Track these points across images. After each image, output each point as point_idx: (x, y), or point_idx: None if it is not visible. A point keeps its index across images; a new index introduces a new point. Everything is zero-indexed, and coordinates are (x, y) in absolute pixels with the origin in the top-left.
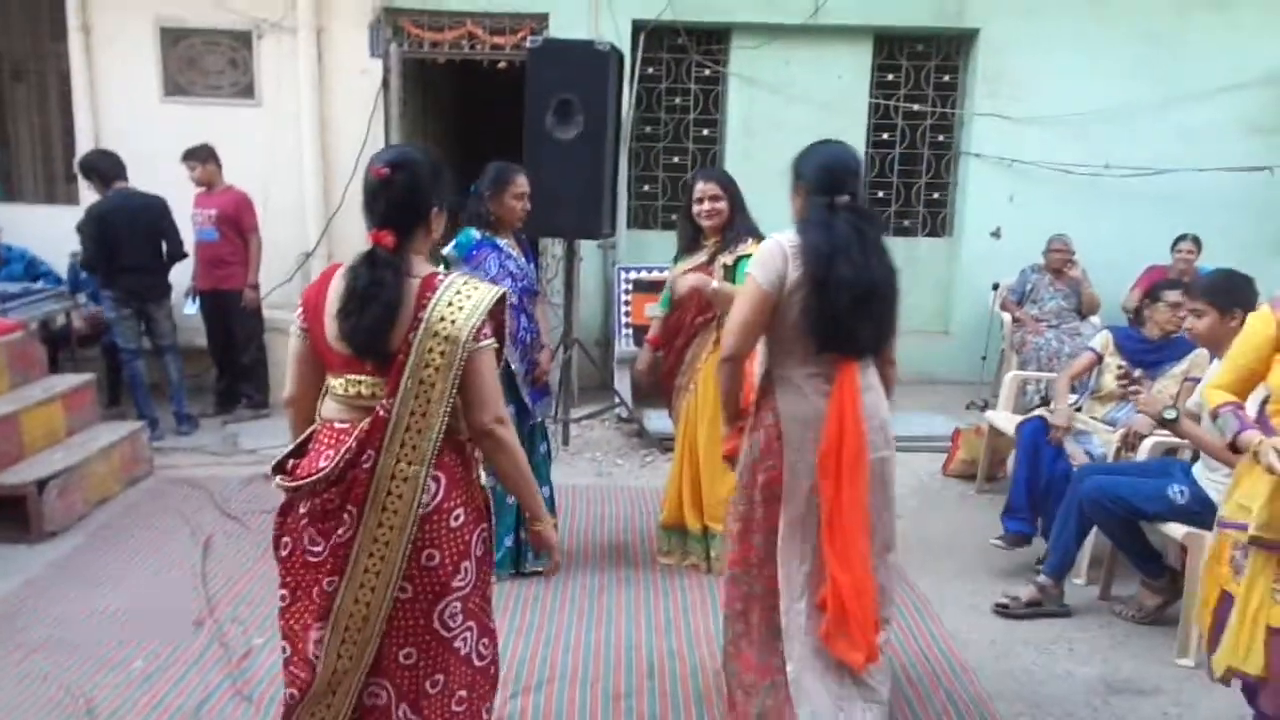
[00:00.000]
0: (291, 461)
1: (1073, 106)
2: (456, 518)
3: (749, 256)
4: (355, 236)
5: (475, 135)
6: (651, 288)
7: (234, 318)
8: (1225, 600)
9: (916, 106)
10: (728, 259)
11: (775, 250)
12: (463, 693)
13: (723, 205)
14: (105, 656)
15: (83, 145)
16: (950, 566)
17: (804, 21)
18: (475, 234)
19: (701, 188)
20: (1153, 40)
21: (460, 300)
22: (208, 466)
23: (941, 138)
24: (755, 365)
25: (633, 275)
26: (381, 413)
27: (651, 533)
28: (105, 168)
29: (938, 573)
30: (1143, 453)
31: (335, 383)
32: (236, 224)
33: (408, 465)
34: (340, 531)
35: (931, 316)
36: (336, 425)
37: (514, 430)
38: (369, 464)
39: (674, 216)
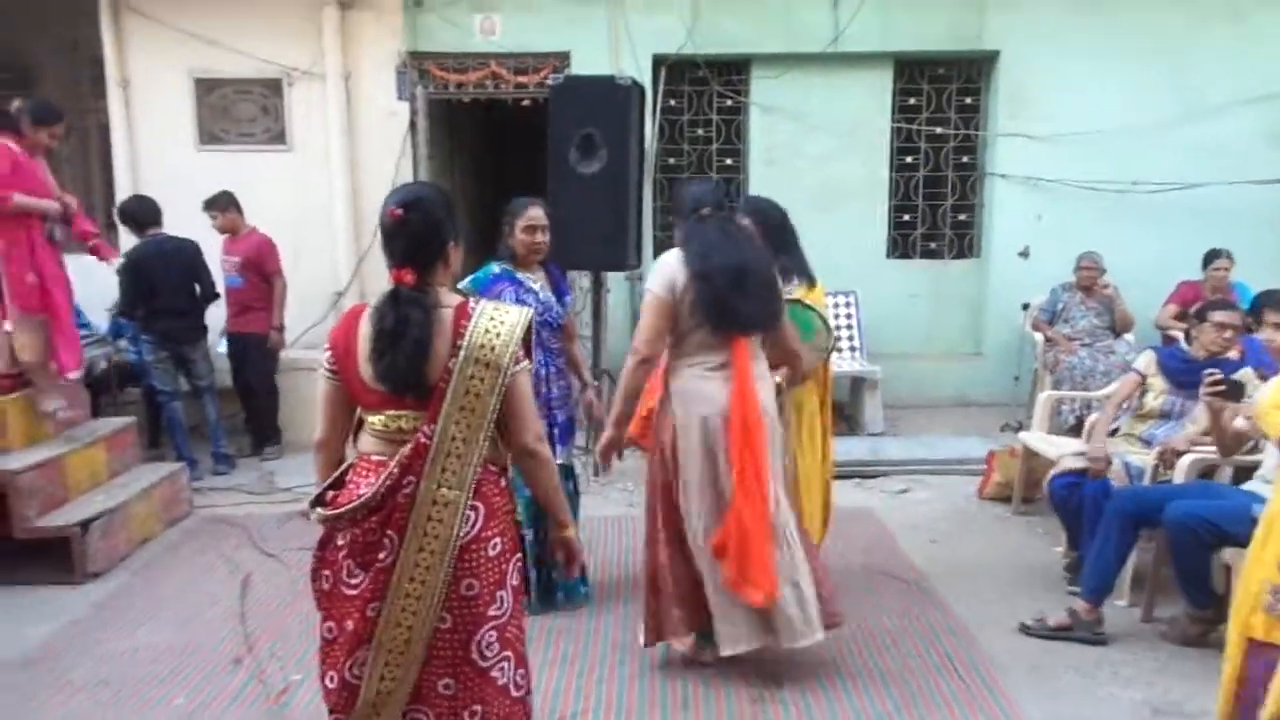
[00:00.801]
0: (330, 494)
1: (1097, 124)
2: (494, 546)
3: (807, 305)
4: (385, 277)
5: (501, 172)
6: None
7: (250, 360)
8: (1254, 656)
9: (939, 129)
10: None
11: (668, 263)
12: None
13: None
14: (148, 694)
15: (122, 195)
16: (988, 589)
17: (824, 50)
18: (495, 268)
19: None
20: (1173, 54)
21: (495, 326)
22: (245, 505)
23: (966, 159)
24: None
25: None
26: (423, 439)
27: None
28: (140, 213)
29: (975, 596)
30: (1180, 471)
31: (374, 419)
32: (260, 268)
33: (448, 490)
34: (381, 556)
35: (963, 338)
36: (374, 458)
37: (549, 447)
38: (410, 489)
39: None
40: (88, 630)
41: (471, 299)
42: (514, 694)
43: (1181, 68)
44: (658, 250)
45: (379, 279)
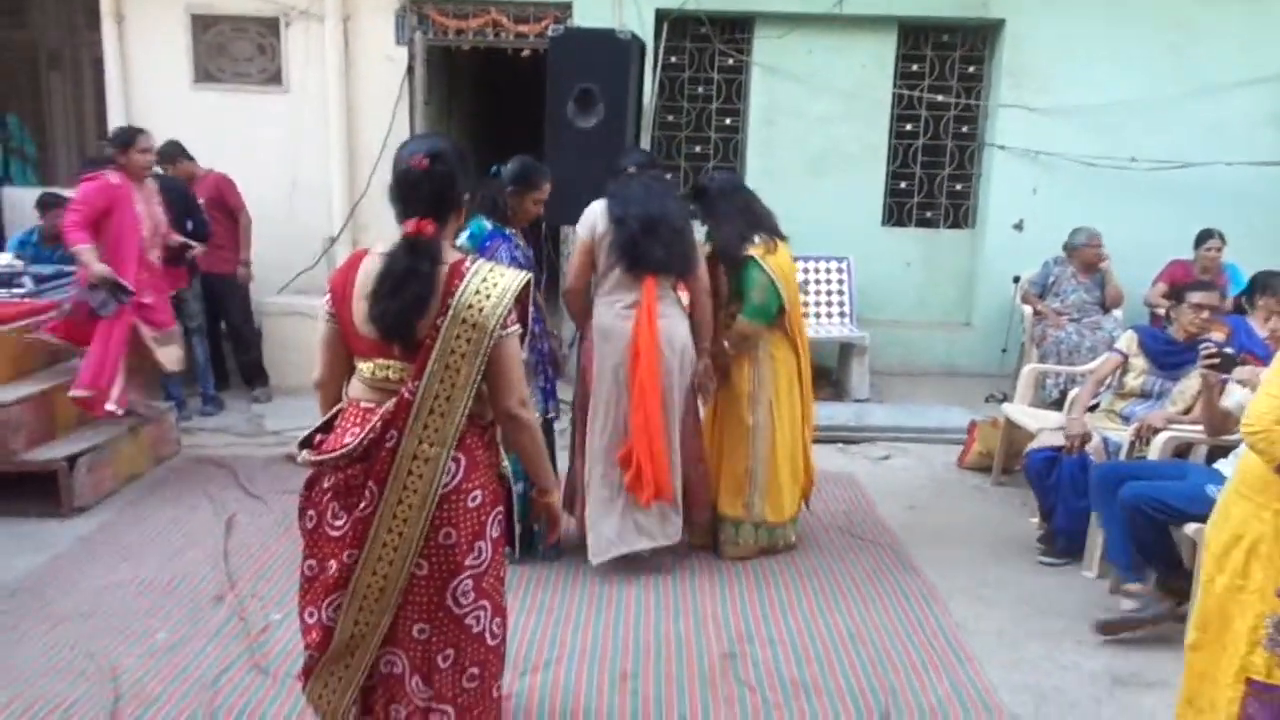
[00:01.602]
0: (319, 437)
1: (1098, 98)
2: (474, 499)
3: (754, 260)
4: (379, 222)
5: (498, 121)
6: None
7: (226, 299)
8: (1257, 699)
9: (940, 97)
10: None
11: (593, 209)
12: (475, 669)
13: None
14: (130, 628)
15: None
16: (960, 556)
17: (828, 10)
18: (486, 224)
19: None
20: (1179, 31)
21: (487, 288)
22: (233, 446)
23: (965, 128)
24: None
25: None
26: (406, 395)
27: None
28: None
29: (947, 562)
30: (1155, 448)
31: (363, 366)
32: (223, 204)
33: (429, 447)
34: (361, 506)
35: (953, 308)
36: (363, 405)
37: (534, 411)
38: (392, 444)
39: (694, 206)
40: (72, 563)
41: (468, 258)
42: (489, 642)
43: (1187, 45)
44: None
45: (373, 225)
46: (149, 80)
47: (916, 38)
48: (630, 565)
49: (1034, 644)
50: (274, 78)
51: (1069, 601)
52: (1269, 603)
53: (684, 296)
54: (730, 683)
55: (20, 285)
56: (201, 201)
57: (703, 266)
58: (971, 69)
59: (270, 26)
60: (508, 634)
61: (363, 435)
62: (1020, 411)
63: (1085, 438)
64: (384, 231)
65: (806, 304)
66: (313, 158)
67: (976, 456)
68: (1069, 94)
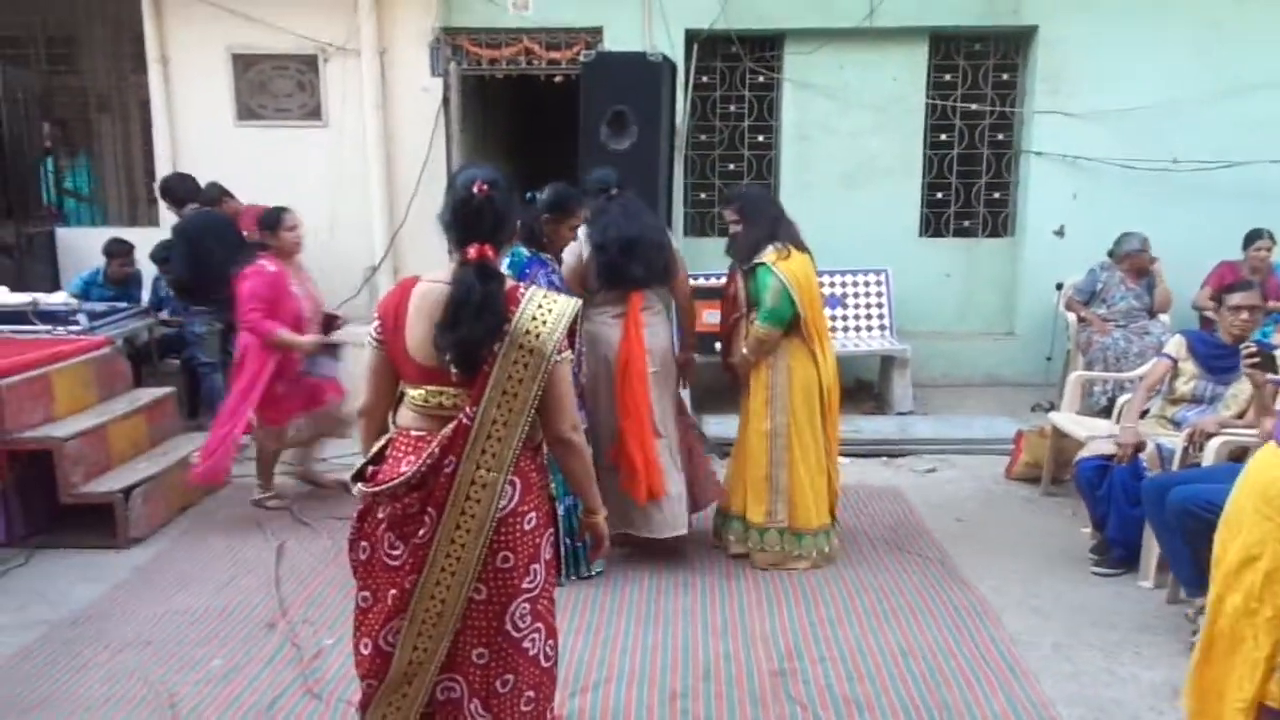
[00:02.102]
0: (371, 469)
1: (1136, 101)
2: (530, 521)
3: (764, 265)
4: (419, 250)
5: (533, 146)
6: (709, 294)
7: None
8: None
9: (974, 106)
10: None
11: (576, 242)
12: (531, 693)
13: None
14: (186, 655)
15: (161, 169)
16: (1012, 569)
17: (858, 25)
18: (525, 251)
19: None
20: (1215, 30)
21: (543, 314)
22: (280, 475)
23: (1001, 136)
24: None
25: (690, 282)
26: (465, 420)
27: (708, 538)
28: (180, 190)
29: (999, 575)
30: (1209, 454)
31: (415, 393)
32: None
33: (487, 472)
34: (420, 533)
35: (995, 317)
36: (414, 433)
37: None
38: (450, 469)
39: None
40: (130, 593)
41: (521, 284)
42: (543, 664)
43: (1223, 44)
44: (688, 226)
45: (412, 254)
46: (193, 119)
47: (948, 47)
48: (679, 585)
49: (1091, 656)
50: (313, 113)
51: (1125, 613)
52: (1275, 640)
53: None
54: (781, 701)
55: (75, 322)
56: (246, 235)
57: (683, 273)
58: (1005, 76)
59: (309, 63)
60: (558, 656)
61: (420, 462)
62: (1068, 420)
63: (1140, 445)
64: (423, 260)
65: (846, 317)
66: (352, 189)
67: (1024, 467)
68: (1106, 98)
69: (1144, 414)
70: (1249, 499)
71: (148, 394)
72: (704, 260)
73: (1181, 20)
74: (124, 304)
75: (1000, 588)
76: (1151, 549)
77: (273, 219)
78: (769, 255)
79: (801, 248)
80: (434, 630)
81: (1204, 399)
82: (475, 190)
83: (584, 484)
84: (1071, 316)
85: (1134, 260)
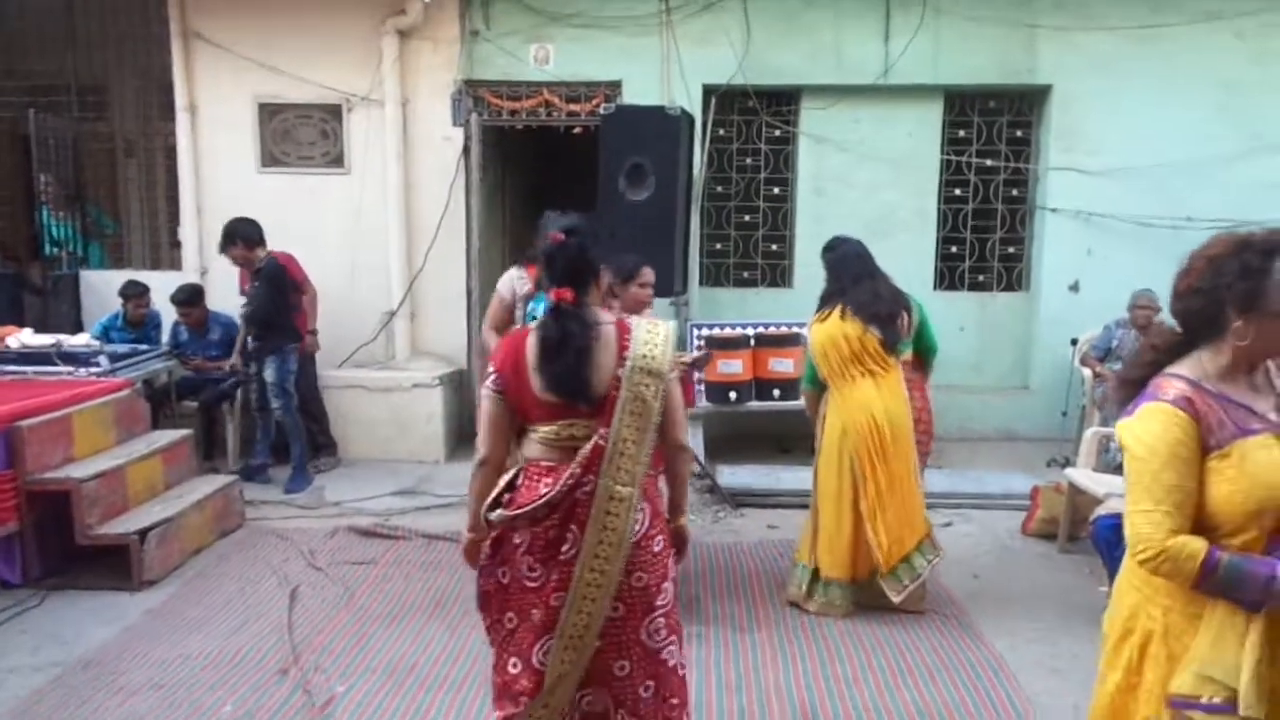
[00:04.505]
0: (506, 497)
1: (1151, 159)
2: (658, 544)
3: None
4: (436, 296)
5: (551, 196)
6: (724, 344)
7: (299, 371)
8: None
9: (989, 162)
10: None
11: (509, 275)
12: (674, 700)
13: None
14: (197, 701)
15: (186, 214)
16: (1030, 627)
17: (874, 81)
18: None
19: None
20: (1230, 90)
21: (653, 338)
22: (295, 519)
23: (1015, 192)
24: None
25: (705, 331)
26: (600, 442)
27: (721, 590)
28: (256, 234)
29: (1016, 633)
30: None
31: (545, 430)
32: (291, 281)
33: (622, 487)
34: (564, 550)
35: (1009, 372)
36: (544, 464)
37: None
38: (590, 487)
39: (745, 274)
40: (142, 636)
41: (626, 317)
42: (680, 673)
43: (1239, 103)
44: (704, 277)
45: (430, 300)
46: (218, 165)
47: (963, 105)
48: (692, 638)
49: None
50: (336, 160)
51: None
52: (1155, 707)
53: None
54: None
55: (97, 364)
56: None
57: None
58: (1019, 133)
59: (333, 112)
60: (688, 666)
61: (561, 483)
62: (1085, 476)
63: None
64: (441, 305)
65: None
66: (373, 235)
67: (1041, 523)
68: (1120, 155)
69: None
70: (1124, 573)
71: (165, 436)
72: (719, 310)
73: (1196, 79)
74: (144, 346)
75: (1018, 646)
76: None
77: (631, 270)
78: (811, 319)
79: (869, 310)
80: (579, 644)
81: None
82: (552, 240)
83: (684, 488)
84: (1087, 372)
85: (1135, 315)
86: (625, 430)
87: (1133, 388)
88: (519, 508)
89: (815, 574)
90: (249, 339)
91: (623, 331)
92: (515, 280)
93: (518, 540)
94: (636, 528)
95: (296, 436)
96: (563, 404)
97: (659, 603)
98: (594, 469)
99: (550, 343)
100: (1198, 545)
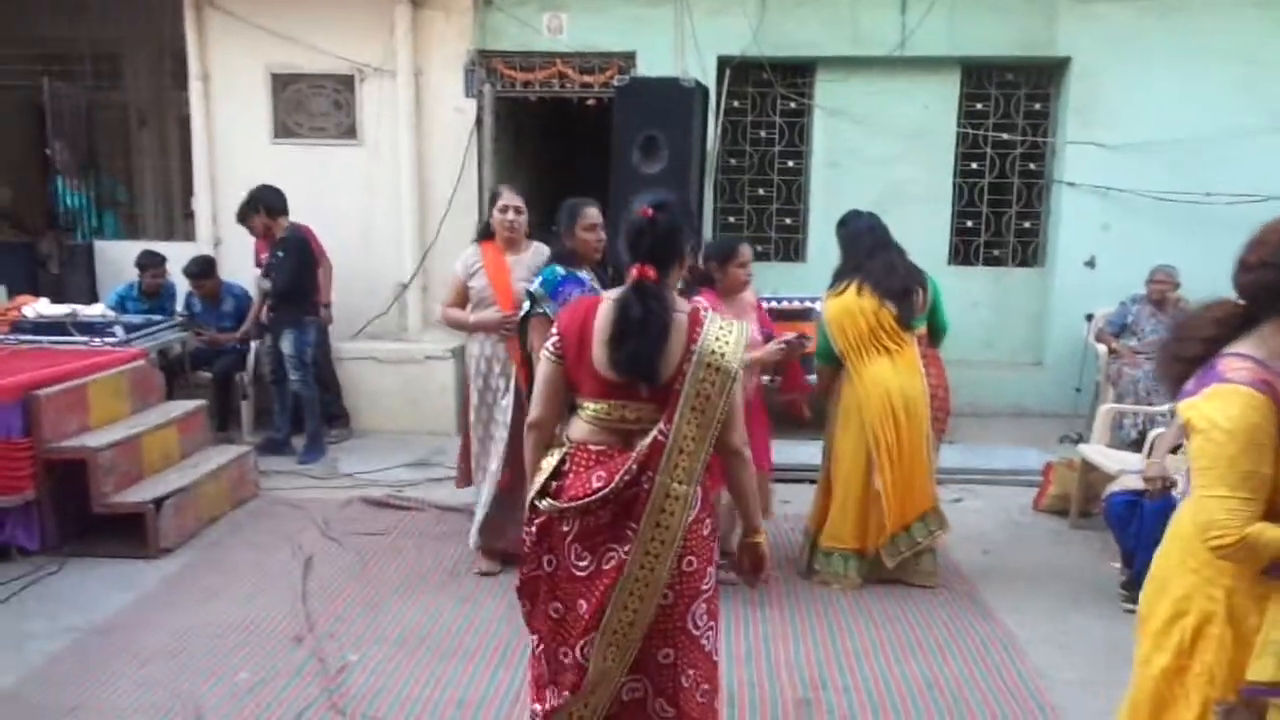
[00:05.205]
0: (554, 484)
1: (1170, 133)
2: (706, 527)
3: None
4: (449, 268)
5: (564, 168)
6: None
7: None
8: None
9: (1006, 135)
10: None
11: (466, 252)
12: (706, 685)
13: None
14: (213, 667)
15: (199, 185)
16: (1039, 603)
17: (890, 54)
18: (560, 270)
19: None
20: (1252, 63)
21: (724, 335)
22: (308, 490)
23: (1032, 166)
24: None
25: None
26: (660, 437)
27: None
28: (279, 203)
29: (1026, 609)
30: None
31: (595, 407)
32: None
33: (680, 485)
34: (616, 546)
35: (1023, 348)
36: (592, 447)
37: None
38: (648, 485)
39: (759, 248)
40: (159, 603)
41: (702, 308)
42: (714, 659)
43: (1259, 77)
44: None
45: (443, 271)
46: (231, 136)
47: (980, 77)
48: None
49: (1119, 695)
50: (349, 131)
51: None
52: (1219, 689)
53: None
54: None
55: (112, 335)
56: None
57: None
58: (1037, 106)
59: (346, 83)
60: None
61: (618, 477)
62: (1098, 453)
63: (1167, 481)
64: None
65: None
66: (385, 207)
67: (1053, 499)
68: (1139, 129)
69: (1176, 449)
70: (1174, 555)
71: (180, 406)
72: None
73: (1216, 54)
74: (159, 316)
75: (1027, 622)
76: None
77: (727, 250)
78: (825, 293)
79: (884, 285)
80: (624, 641)
81: None
82: (640, 213)
83: (750, 499)
84: (1102, 348)
85: (1151, 290)
86: (686, 427)
87: (1188, 365)
88: (570, 499)
89: (815, 544)
90: (266, 310)
91: (694, 322)
92: (469, 257)
93: (565, 528)
94: (690, 512)
95: (313, 410)
96: (621, 383)
97: (704, 587)
98: (653, 465)
99: (629, 320)
100: (1276, 532)
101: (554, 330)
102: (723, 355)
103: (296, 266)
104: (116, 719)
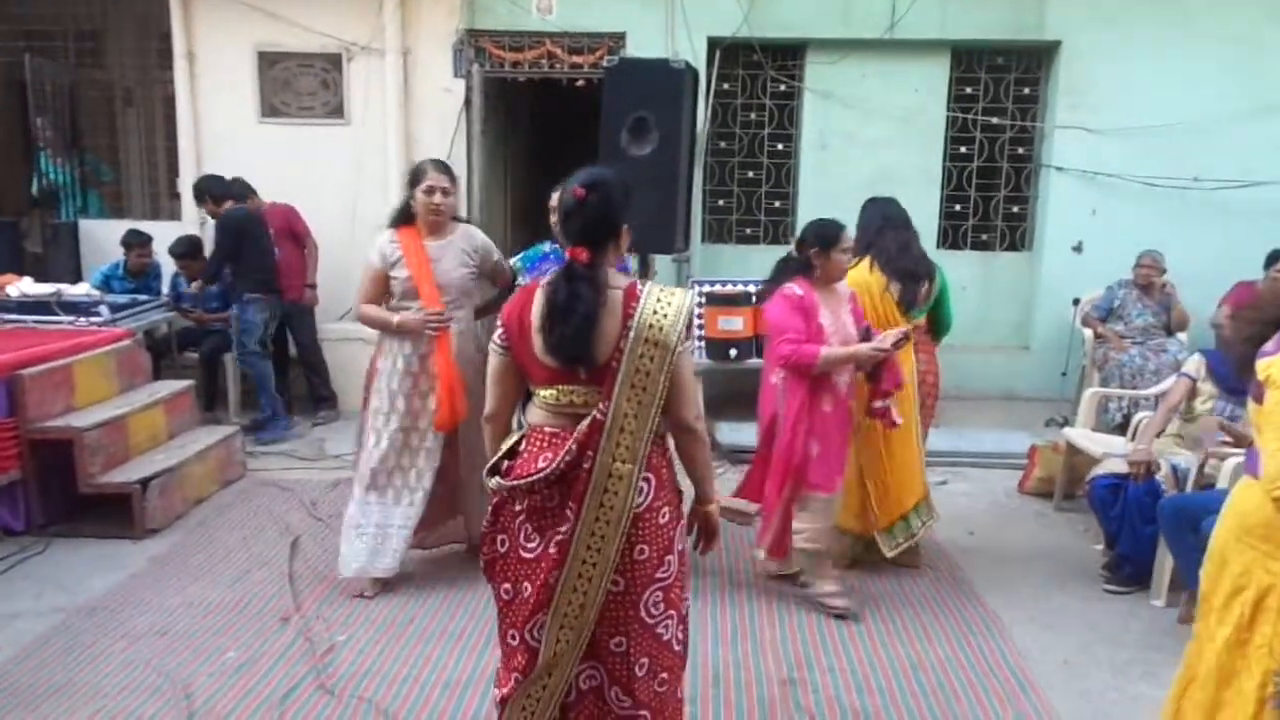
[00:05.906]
0: (505, 464)
1: (1159, 118)
2: (663, 515)
3: None
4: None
5: (553, 150)
6: (726, 301)
7: (300, 323)
8: None
9: (995, 119)
10: None
11: (380, 238)
12: (664, 674)
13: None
14: (201, 646)
15: (185, 164)
16: (1023, 584)
17: (880, 36)
18: (545, 247)
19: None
20: (1241, 48)
21: (663, 308)
22: (296, 470)
23: (1021, 150)
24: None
25: (707, 288)
26: (599, 416)
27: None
28: (218, 189)
29: (1010, 590)
30: (1224, 475)
31: (545, 393)
32: (291, 233)
33: (622, 464)
34: (562, 529)
35: (1010, 331)
36: (547, 430)
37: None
38: (589, 465)
39: (747, 231)
40: (146, 583)
41: (640, 282)
42: (675, 648)
43: (1250, 63)
44: (706, 233)
45: None
46: (217, 115)
47: (970, 61)
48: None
49: (1101, 674)
50: (336, 111)
51: (1136, 631)
52: (1268, 662)
53: None
54: (790, 710)
55: (98, 314)
56: (271, 231)
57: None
58: (1026, 90)
59: (333, 62)
60: (688, 641)
61: (559, 458)
62: (1083, 436)
63: (1151, 466)
64: None
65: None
66: (373, 187)
67: (1038, 482)
68: (1128, 114)
69: (1160, 433)
70: (1231, 531)
71: (167, 386)
72: (722, 267)
73: (1208, 38)
74: (145, 296)
75: (1011, 602)
76: (1164, 568)
77: (830, 234)
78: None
79: (896, 264)
80: (576, 622)
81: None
82: (572, 194)
83: (704, 472)
84: (1088, 332)
85: (1138, 274)
86: (625, 405)
87: (1268, 327)
88: (517, 478)
89: None
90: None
91: (630, 297)
92: (386, 246)
93: (518, 507)
94: (640, 499)
95: (263, 386)
96: (562, 368)
97: (659, 575)
98: (592, 445)
99: (556, 305)
100: None
101: (499, 321)
102: (660, 329)
103: (217, 249)
104: (103, 699)
